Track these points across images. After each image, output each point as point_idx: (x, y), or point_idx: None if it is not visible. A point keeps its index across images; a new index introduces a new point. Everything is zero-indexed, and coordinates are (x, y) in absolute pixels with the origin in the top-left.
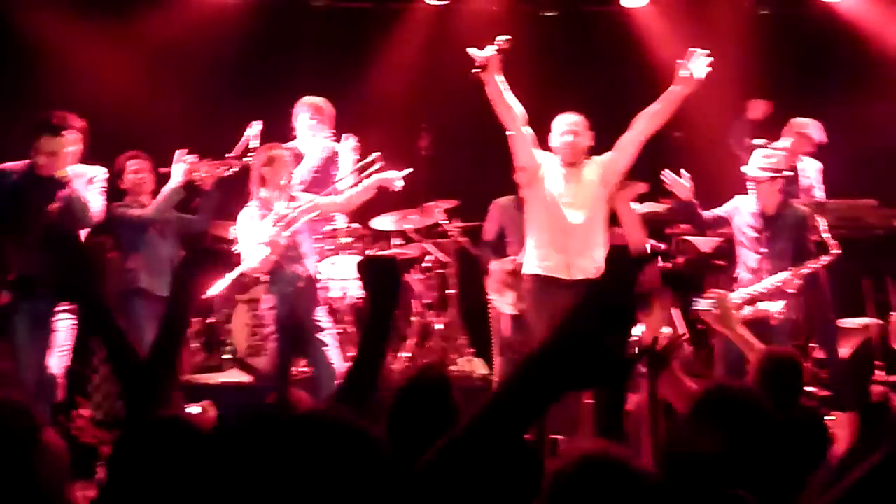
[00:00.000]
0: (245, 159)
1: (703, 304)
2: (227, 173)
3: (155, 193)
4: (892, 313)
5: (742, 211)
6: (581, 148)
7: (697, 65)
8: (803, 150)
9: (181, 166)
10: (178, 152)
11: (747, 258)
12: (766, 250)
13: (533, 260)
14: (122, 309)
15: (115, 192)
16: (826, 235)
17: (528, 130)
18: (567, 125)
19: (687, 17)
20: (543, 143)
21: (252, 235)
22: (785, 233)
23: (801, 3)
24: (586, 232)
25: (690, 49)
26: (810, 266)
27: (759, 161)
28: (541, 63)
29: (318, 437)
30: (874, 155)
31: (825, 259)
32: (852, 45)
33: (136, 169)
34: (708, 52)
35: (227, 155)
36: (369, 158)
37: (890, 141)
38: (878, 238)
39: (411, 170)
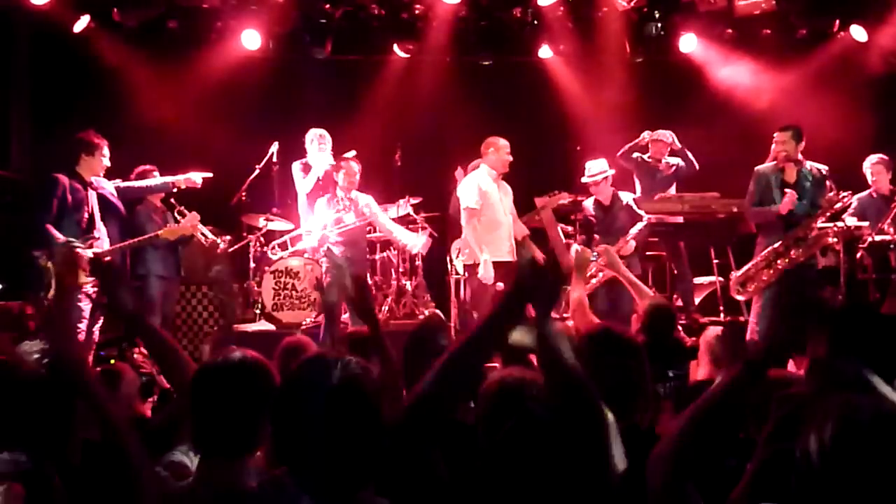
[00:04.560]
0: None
1: (593, 255)
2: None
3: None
4: (731, 273)
5: (586, 207)
6: None
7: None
8: (662, 152)
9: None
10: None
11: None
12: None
13: (494, 252)
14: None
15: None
16: (640, 211)
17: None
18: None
19: (583, 63)
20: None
21: (316, 223)
22: (620, 215)
23: (665, 52)
24: (515, 226)
25: None
26: (632, 233)
27: (593, 169)
28: (479, 99)
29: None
30: (717, 162)
31: (640, 225)
32: (702, 83)
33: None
34: None
35: (256, 165)
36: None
37: (727, 152)
38: (720, 220)
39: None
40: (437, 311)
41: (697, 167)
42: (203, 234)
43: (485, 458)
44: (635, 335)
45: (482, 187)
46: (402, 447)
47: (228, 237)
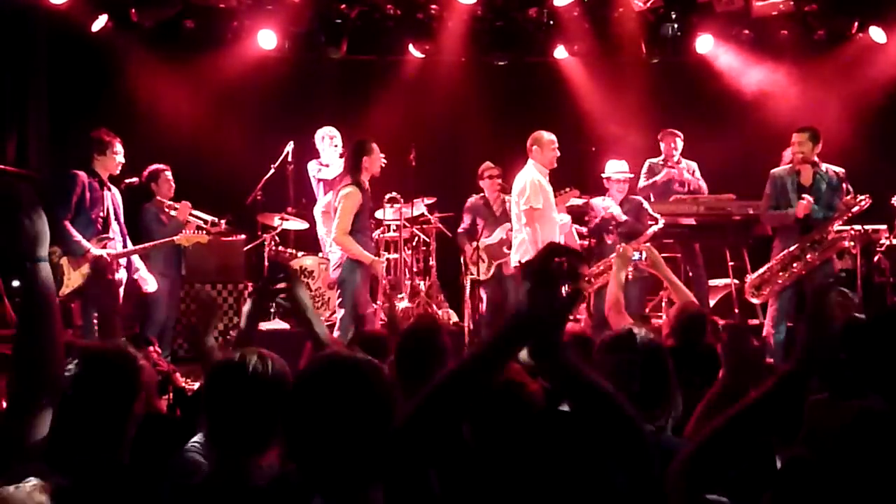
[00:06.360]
0: None
1: (636, 255)
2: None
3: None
4: (746, 275)
5: (599, 207)
6: None
7: None
8: (674, 149)
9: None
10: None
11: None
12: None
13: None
14: None
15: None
16: (652, 212)
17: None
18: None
19: (598, 64)
20: (499, 158)
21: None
22: (630, 215)
23: (682, 53)
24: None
25: None
26: (647, 235)
27: (616, 168)
28: (494, 99)
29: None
30: (733, 163)
31: (656, 227)
32: (718, 84)
33: (171, 179)
34: None
35: (271, 165)
36: None
37: (743, 153)
38: (736, 222)
39: None
40: (450, 311)
41: (706, 192)
42: (201, 219)
43: (478, 462)
44: (665, 339)
45: (543, 185)
46: (398, 456)
47: (224, 220)
